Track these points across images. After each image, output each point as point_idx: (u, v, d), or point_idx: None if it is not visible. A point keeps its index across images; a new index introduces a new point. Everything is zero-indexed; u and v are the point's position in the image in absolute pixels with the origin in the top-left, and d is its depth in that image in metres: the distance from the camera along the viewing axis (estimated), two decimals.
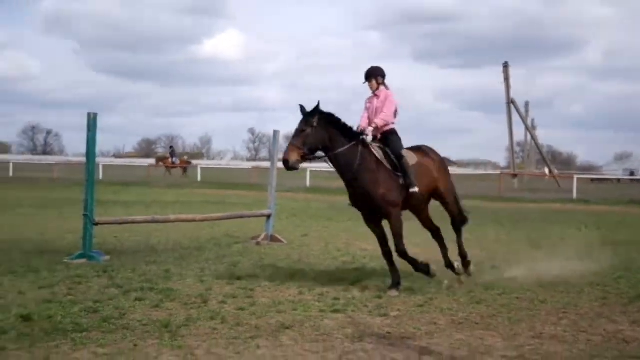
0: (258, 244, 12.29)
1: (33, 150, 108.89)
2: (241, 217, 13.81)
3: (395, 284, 7.99)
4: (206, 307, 6.81)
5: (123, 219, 11.89)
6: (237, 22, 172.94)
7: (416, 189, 8.09)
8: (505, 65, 47.86)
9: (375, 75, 8.49)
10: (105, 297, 7.13)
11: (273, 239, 12.69)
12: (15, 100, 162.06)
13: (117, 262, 9.49)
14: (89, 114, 9.62)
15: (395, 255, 8.14)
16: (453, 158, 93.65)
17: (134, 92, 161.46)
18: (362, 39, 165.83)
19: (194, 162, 55.31)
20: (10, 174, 43.06)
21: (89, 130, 9.71)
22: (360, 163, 7.97)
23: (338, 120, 8.03)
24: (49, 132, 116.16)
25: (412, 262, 8.27)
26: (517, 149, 55.31)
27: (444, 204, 8.91)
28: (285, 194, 26.51)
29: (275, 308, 6.91)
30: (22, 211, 17.92)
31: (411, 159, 8.35)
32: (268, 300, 7.29)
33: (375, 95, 8.49)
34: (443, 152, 9.96)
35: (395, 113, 8.45)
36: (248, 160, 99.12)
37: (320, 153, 8.01)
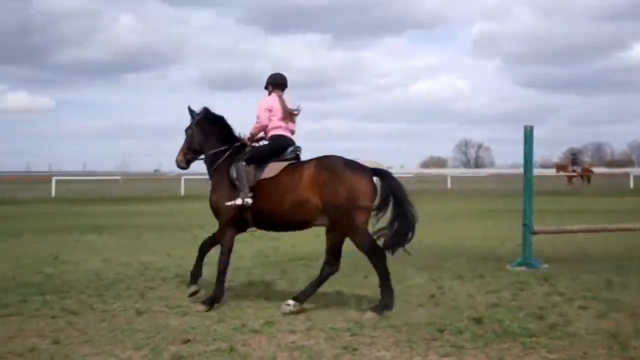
0: None
1: (466, 164, 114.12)
2: None
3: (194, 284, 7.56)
4: None
5: (560, 228, 11.72)
6: None
7: (239, 202, 7.13)
8: None
9: (266, 83, 7.84)
10: (548, 304, 7.11)
11: None
12: (450, 118, 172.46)
13: (556, 270, 9.38)
14: (525, 127, 9.76)
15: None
16: None
17: (558, 102, 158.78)
18: None
19: (627, 170, 51.27)
20: (448, 186, 45.67)
21: (525, 142, 9.83)
22: (216, 167, 7.58)
23: (218, 122, 7.79)
24: (479, 146, 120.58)
25: (219, 283, 7.25)
26: None
27: (338, 226, 7.03)
28: None
29: None
30: (463, 221, 18.84)
31: (272, 170, 7.24)
32: None
33: None
34: None
35: (284, 118, 7.54)
36: None
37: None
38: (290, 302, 6.96)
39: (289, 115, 7.67)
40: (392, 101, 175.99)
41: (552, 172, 46.35)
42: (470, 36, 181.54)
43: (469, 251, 11.64)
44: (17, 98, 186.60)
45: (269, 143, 7.58)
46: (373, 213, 6.93)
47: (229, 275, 8.98)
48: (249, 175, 7.28)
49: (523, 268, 9.60)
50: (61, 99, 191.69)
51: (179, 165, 8.02)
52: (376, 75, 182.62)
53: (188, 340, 5.77)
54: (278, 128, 7.57)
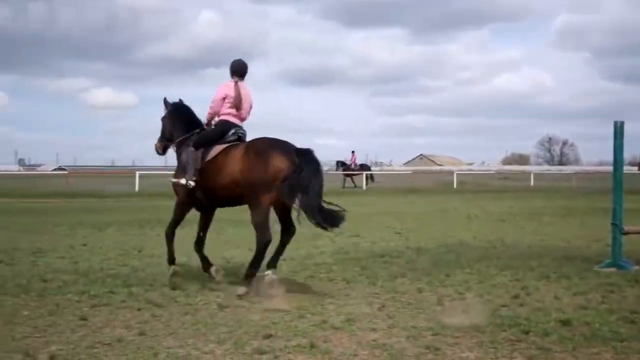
0: None
1: (550, 161, 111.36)
2: None
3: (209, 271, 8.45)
4: None
5: None
6: None
7: (183, 181, 8.14)
8: None
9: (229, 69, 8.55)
10: None
11: None
12: (532, 113, 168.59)
13: None
14: (615, 122, 9.43)
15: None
16: None
17: None
18: None
19: None
20: (531, 183, 44.64)
21: (615, 138, 9.49)
22: (180, 153, 8.48)
23: (184, 111, 8.76)
24: (564, 142, 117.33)
25: (168, 248, 8.67)
26: None
27: (246, 201, 7.83)
28: None
29: None
30: (547, 219, 18.37)
31: (214, 152, 8.08)
32: None
33: None
34: None
35: (236, 105, 8.31)
36: None
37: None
38: (268, 272, 7.67)
39: (241, 102, 8.36)
40: (473, 96, 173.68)
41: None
42: (554, 29, 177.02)
43: (554, 251, 11.34)
44: (102, 94, 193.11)
45: (213, 128, 8.45)
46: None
47: (308, 272, 9.03)
48: (196, 159, 8.11)
49: (613, 269, 9.26)
50: (144, 94, 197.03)
51: (156, 151, 9.01)
52: (457, 70, 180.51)
53: (270, 336, 5.82)
54: (227, 115, 8.37)
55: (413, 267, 9.67)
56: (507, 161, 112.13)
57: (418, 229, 15.42)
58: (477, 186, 43.49)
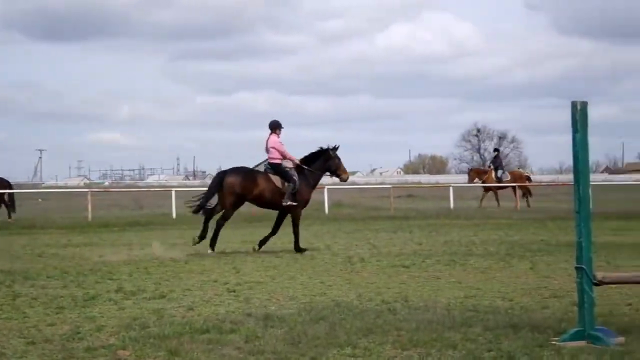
0: None
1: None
2: None
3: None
4: None
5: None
6: None
7: None
8: None
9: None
10: None
11: None
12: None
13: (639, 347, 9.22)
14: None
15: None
16: None
17: None
18: None
19: None
20: (451, 204, 46.31)
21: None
22: None
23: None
24: (502, 137, 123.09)
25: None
26: None
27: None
28: None
29: None
30: (476, 262, 18.77)
31: None
32: None
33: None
34: None
35: (266, 151, 23.66)
36: None
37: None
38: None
39: (265, 148, 22.93)
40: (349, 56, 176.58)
41: None
42: None
43: (489, 314, 11.42)
44: None
45: None
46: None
47: None
48: None
49: (582, 343, 9.36)
50: None
51: None
52: (317, 16, 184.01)
53: None
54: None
55: (258, 348, 9.56)
56: (411, 167, 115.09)
57: (265, 282, 15.36)
58: (360, 210, 44.24)
